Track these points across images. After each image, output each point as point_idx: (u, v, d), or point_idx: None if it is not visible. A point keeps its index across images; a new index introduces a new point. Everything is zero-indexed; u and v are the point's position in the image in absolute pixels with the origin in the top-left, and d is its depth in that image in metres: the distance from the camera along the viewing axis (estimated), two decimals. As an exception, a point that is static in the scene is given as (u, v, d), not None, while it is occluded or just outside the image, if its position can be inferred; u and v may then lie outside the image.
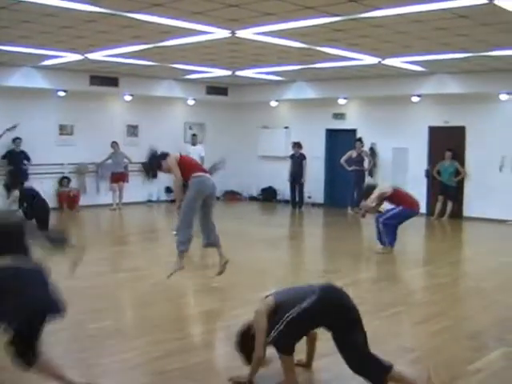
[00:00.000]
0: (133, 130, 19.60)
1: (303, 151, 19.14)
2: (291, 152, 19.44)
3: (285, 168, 19.53)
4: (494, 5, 8.30)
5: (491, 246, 12.56)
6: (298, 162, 19.14)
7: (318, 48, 12.39)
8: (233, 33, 10.84)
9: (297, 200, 19.29)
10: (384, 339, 6.32)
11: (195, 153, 19.62)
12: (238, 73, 17.11)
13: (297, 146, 19.22)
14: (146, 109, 19.66)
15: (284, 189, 20.34)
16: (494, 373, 5.49)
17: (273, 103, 20.52)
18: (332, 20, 9.50)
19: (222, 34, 10.94)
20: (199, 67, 16.18)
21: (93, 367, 5.51)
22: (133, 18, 9.64)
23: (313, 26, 9.97)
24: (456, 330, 6.88)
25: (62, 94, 17.21)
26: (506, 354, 5.82)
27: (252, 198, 21.21)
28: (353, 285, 9.02)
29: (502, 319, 6.76)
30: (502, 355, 5.86)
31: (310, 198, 19.92)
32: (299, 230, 16.42)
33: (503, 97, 15.96)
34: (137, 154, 18.88)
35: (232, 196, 21.25)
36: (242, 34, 10.91)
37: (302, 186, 19.28)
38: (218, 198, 20.72)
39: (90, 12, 9.22)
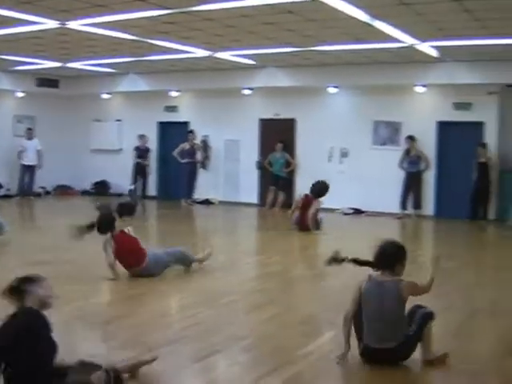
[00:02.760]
0: (-44, 124, 18.74)
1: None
2: (137, 144, 19.25)
3: (118, 161, 19.35)
4: (319, 1, 8.61)
5: (320, 234, 12.99)
6: (143, 153, 19.09)
7: (149, 40, 12.38)
8: (63, 24, 10.64)
9: (138, 193, 19.15)
10: (217, 328, 6.42)
11: (31, 147, 19.05)
12: (70, 64, 16.77)
13: (143, 138, 19.16)
14: (-29, 101, 18.86)
15: (117, 182, 20.19)
16: (324, 355, 5.69)
17: (105, 96, 20.26)
18: (162, 12, 9.54)
19: (51, 24, 10.71)
20: (28, 58, 15.72)
21: None
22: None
23: (143, 18, 9.97)
24: (288, 316, 7.06)
25: None
26: (335, 337, 6.02)
27: (84, 192, 20.82)
28: (187, 275, 9.09)
29: (333, 304, 7.00)
30: (333, 337, 6.06)
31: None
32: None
33: (331, 90, 16.57)
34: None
35: (63, 190, 20.74)
36: (73, 25, 10.73)
37: (146, 178, 19.26)
38: (48, 193, 20.35)
39: None
